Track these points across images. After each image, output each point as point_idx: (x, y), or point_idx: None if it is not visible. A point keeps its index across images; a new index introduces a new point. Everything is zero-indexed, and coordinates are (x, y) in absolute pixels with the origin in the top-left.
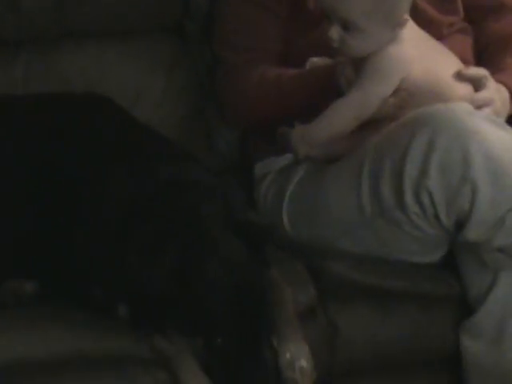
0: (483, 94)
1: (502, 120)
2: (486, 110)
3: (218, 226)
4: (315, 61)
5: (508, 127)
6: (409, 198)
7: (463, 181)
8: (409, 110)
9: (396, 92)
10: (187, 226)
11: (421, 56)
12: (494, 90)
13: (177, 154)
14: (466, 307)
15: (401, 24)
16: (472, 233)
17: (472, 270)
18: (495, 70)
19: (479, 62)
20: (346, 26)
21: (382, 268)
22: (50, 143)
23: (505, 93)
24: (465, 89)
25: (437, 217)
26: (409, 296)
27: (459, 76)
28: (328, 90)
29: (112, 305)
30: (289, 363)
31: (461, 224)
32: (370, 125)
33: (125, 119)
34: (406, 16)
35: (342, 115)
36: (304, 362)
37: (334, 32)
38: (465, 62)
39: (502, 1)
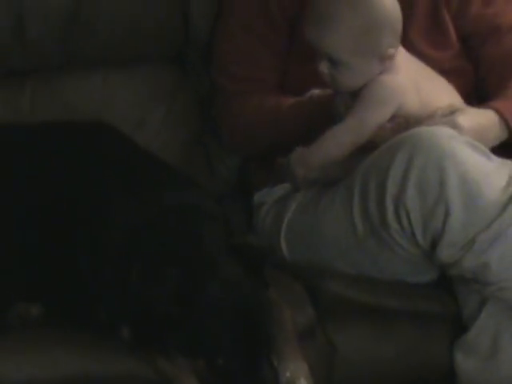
0: (445, 118)
1: (486, 148)
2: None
3: (218, 250)
4: (316, 93)
5: (490, 154)
6: (390, 216)
7: (438, 201)
8: None
9: (393, 118)
10: (188, 250)
11: (417, 88)
12: (464, 118)
13: (178, 180)
14: (460, 325)
15: (388, 57)
16: (443, 254)
17: (464, 289)
18: (497, 95)
19: (482, 88)
20: (333, 62)
21: (378, 287)
22: (54, 170)
23: (488, 121)
24: None
25: (413, 235)
26: (404, 314)
27: (432, 121)
28: (327, 118)
29: (115, 326)
30: (289, 382)
31: (435, 244)
32: (366, 148)
33: (127, 146)
34: (393, 50)
35: (338, 141)
36: (304, 381)
37: (324, 67)
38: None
39: (497, 24)
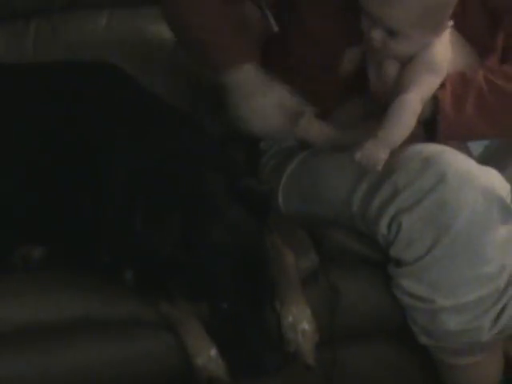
0: None
1: None
2: None
3: (221, 194)
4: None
5: None
6: (384, 221)
7: (432, 237)
8: None
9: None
10: (191, 194)
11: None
12: None
13: (182, 123)
14: None
15: (445, 28)
16: (402, 274)
17: None
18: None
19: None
20: (391, 32)
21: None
22: (57, 111)
23: None
24: None
25: (388, 247)
26: None
27: None
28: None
29: (119, 270)
30: (291, 326)
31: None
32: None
33: (132, 86)
34: (451, 22)
35: (414, 109)
36: (306, 325)
37: (378, 34)
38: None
39: None
